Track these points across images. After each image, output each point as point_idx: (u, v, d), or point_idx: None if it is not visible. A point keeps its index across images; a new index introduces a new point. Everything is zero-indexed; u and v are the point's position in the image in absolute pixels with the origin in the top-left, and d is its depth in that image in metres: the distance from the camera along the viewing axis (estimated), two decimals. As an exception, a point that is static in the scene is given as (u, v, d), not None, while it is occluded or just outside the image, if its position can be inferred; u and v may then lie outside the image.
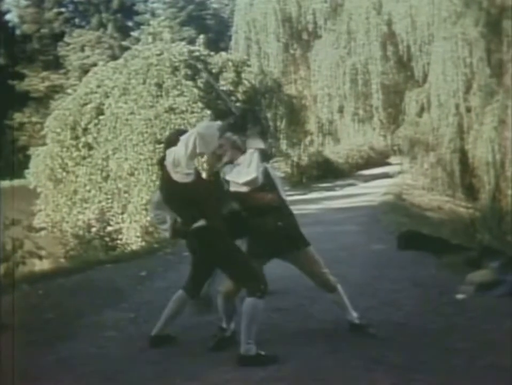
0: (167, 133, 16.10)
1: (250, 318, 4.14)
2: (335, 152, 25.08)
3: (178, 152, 4.21)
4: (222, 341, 4.52)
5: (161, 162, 4.40)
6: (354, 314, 4.70)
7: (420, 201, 17.75)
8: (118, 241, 14.05)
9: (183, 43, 19.52)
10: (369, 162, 26.14)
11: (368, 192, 18.04)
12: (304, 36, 24.36)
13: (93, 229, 14.16)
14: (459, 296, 5.59)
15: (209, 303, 4.78)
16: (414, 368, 3.89)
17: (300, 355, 4.24)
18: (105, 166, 15.85)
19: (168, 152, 4.33)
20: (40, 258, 6.40)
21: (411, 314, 5.17)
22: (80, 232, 14.32)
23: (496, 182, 17.47)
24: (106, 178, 15.79)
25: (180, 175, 4.24)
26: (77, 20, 41.82)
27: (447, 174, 19.78)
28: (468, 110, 19.96)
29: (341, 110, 23.38)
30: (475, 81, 19.67)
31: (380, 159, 26.77)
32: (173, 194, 4.37)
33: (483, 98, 19.22)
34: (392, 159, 25.05)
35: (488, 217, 13.86)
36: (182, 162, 4.19)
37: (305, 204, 14.55)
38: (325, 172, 23.60)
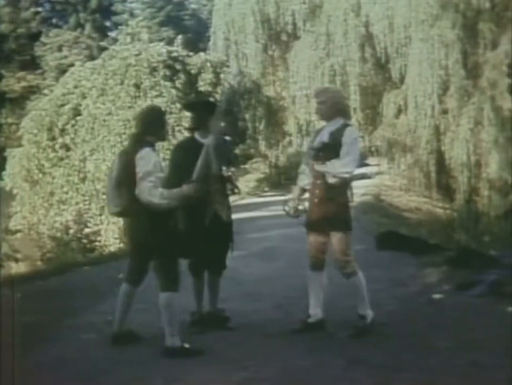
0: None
1: (170, 313, 4.27)
2: (313, 153, 25.18)
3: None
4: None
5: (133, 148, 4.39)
6: (368, 311, 4.67)
7: (398, 202, 17.89)
8: (96, 243, 13.95)
9: (162, 43, 19.47)
10: (347, 163, 26.26)
11: (347, 193, 18.11)
12: (283, 37, 24.43)
13: (71, 231, 14.03)
14: (438, 296, 5.63)
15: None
16: (395, 367, 3.91)
17: (280, 356, 4.23)
18: (82, 167, 15.73)
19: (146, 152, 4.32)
20: (16, 260, 6.32)
21: (391, 313, 5.19)
22: (58, 234, 14.18)
23: (473, 183, 17.68)
24: (83, 180, 15.67)
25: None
26: (54, 20, 41.41)
27: (424, 174, 19.96)
28: (445, 112, 20.17)
29: (319, 111, 23.47)
30: (451, 83, 19.88)
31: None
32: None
33: (459, 99, 19.44)
34: (370, 160, 25.20)
35: (465, 218, 14.03)
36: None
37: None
38: (304, 173, 23.66)
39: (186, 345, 4.31)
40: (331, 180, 4.54)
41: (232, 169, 4.91)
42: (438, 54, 19.70)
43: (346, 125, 4.62)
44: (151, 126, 4.43)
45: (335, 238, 4.63)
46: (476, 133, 17.78)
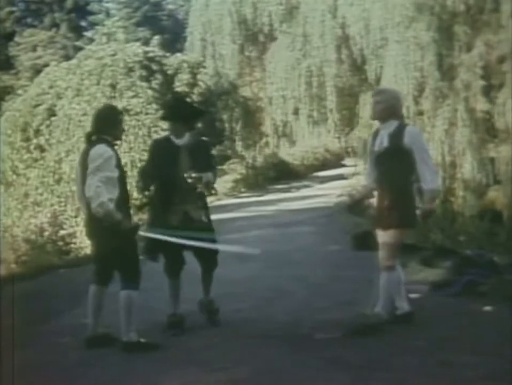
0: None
1: (128, 309, 4.36)
2: (290, 154, 25.21)
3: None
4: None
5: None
6: (404, 304, 4.69)
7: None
8: (72, 246, 13.77)
9: (138, 43, 19.33)
10: (324, 164, 26.33)
11: (324, 193, 18.20)
12: (260, 38, 24.44)
13: (46, 233, 13.84)
14: (414, 295, 5.67)
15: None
16: (370, 366, 3.93)
17: (258, 356, 4.23)
18: (58, 168, 15.54)
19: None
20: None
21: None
22: (32, 237, 13.97)
23: (448, 183, 17.86)
24: (58, 181, 15.49)
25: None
26: (29, 20, 40.90)
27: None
28: (420, 113, 20.34)
29: (296, 112, 23.53)
30: (427, 85, 20.08)
31: (335, 160, 27.00)
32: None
33: (434, 101, 19.60)
34: (347, 161, 25.33)
35: (441, 217, 14.15)
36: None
37: (261, 206, 14.58)
38: (281, 174, 23.70)
39: (142, 340, 4.39)
40: None
41: (209, 173, 4.88)
42: (414, 56, 19.85)
43: (403, 126, 4.65)
44: (106, 125, 4.46)
45: (390, 232, 4.68)
46: (451, 135, 17.96)
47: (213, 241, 4.92)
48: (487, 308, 4.67)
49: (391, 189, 4.64)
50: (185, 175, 4.73)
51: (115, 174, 4.31)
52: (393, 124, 4.63)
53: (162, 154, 4.87)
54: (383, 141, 4.65)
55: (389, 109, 4.65)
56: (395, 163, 4.56)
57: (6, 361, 4.21)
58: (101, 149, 4.33)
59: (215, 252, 4.93)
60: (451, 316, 5.02)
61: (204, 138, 5.30)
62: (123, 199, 4.39)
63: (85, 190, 4.26)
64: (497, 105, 18.89)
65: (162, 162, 4.80)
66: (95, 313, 4.57)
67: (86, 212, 4.41)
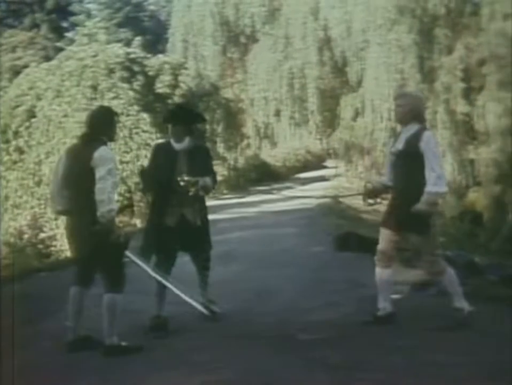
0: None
1: (112, 312, 4.34)
2: (272, 156, 25.23)
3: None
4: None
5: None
6: (464, 303, 4.70)
7: (356, 204, 18.05)
8: (53, 248, 13.64)
9: (119, 44, 19.18)
10: (306, 166, 26.38)
11: (305, 195, 18.22)
12: (242, 40, 24.49)
13: (26, 236, 13.70)
14: (395, 296, 5.70)
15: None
16: (355, 367, 3.95)
17: (242, 358, 4.22)
18: (37, 170, 15.38)
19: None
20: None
21: (350, 314, 5.24)
22: (12, 240, 13.83)
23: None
24: (38, 183, 15.32)
25: None
26: (9, 20, 40.47)
27: (380, 176, 20.23)
28: (401, 115, 20.44)
29: (277, 114, 23.61)
30: (408, 87, 20.21)
31: (316, 162, 27.08)
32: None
33: (415, 103, 19.73)
34: (328, 162, 25.42)
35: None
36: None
37: (243, 207, 14.55)
38: (263, 175, 23.69)
39: (124, 343, 4.37)
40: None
41: (207, 178, 5.06)
42: (395, 58, 20.04)
43: (421, 130, 4.66)
44: (104, 126, 4.46)
45: (413, 239, 4.77)
46: (431, 136, 18.13)
47: (208, 244, 5.22)
48: (468, 308, 4.71)
49: (402, 191, 4.71)
50: (178, 178, 4.90)
51: (117, 180, 4.40)
52: (413, 128, 4.68)
53: (161, 157, 5.12)
54: (400, 144, 4.73)
55: (410, 112, 4.71)
56: (409, 167, 4.63)
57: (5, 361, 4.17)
58: (109, 153, 4.34)
59: (207, 252, 5.23)
60: (432, 315, 5.05)
61: (203, 143, 5.46)
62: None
63: (96, 192, 4.17)
64: (477, 107, 19.14)
65: (160, 165, 5.04)
66: (76, 315, 4.52)
67: (81, 209, 4.30)
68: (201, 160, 5.12)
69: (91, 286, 4.58)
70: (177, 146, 5.09)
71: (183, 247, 5.10)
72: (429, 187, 4.52)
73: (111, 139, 4.58)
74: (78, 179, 4.32)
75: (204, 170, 5.09)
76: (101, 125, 4.44)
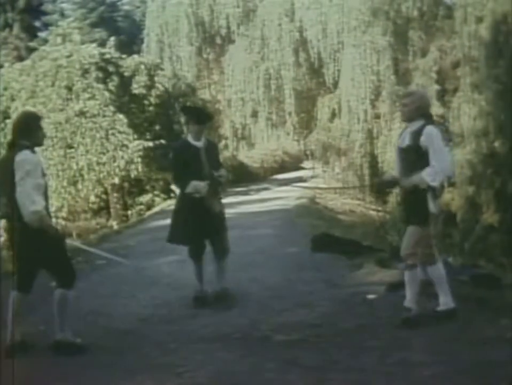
0: (78, 138, 15.68)
1: (63, 308, 4.47)
2: (249, 157, 25.24)
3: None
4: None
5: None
6: (448, 298, 4.72)
7: (333, 205, 18.15)
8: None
9: (94, 44, 19.03)
10: (283, 167, 26.44)
11: (282, 196, 18.24)
12: (218, 40, 24.44)
13: (1, 239, 13.51)
14: (371, 296, 5.74)
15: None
16: (327, 367, 3.95)
17: (215, 360, 4.21)
18: (12, 171, 15.20)
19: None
20: None
21: (325, 314, 5.25)
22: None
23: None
24: (13, 184, 15.15)
25: None
26: (-20, 20, 39.87)
27: (357, 177, 20.38)
28: (377, 116, 20.65)
29: (254, 115, 23.61)
30: (383, 88, 20.39)
31: (294, 163, 27.15)
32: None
33: (391, 104, 19.96)
34: (305, 164, 25.49)
35: (397, 219, 14.36)
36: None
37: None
38: (240, 176, 23.65)
39: (75, 340, 4.45)
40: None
41: (222, 171, 5.80)
42: (370, 60, 20.19)
43: (424, 126, 4.71)
44: (26, 131, 4.52)
45: (411, 230, 4.75)
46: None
47: (225, 230, 5.87)
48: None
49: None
50: (215, 173, 5.63)
51: (42, 181, 4.45)
52: (417, 124, 4.76)
53: (187, 154, 5.66)
54: (405, 139, 4.83)
55: (416, 110, 4.79)
56: (413, 161, 4.70)
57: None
58: (28, 156, 4.40)
59: (225, 239, 5.84)
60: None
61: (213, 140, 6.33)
62: (47, 207, 4.51)
63: (17, 196, 4.28)
64: (452, 109, 19.38)
65: (189, 163, 5.60)
66: (13, 320, 4.51)
67: (13, 218, 4.37)
68: (215, 155, 5.92)
69: (30, 291, 4.61)
70: (197, 143, 5.70)
71: (207, 234, 5.69)
72: (423, 174, 4.59)
73: (38, 143, 4.65)
74: (5, 185, 4.45)
75: (218, 163, 5.92)
76: (23, 131, 4.51)
